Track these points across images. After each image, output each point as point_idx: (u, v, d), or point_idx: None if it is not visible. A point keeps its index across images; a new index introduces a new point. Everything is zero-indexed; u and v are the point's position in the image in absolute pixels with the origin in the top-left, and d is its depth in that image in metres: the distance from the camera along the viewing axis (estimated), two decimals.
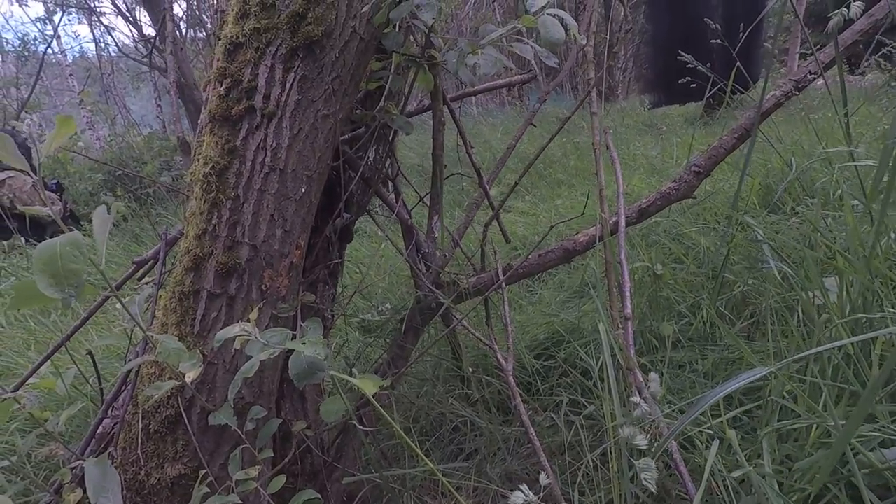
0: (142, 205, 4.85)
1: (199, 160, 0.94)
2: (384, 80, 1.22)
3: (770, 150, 2.30)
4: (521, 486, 0.64)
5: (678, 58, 2.29)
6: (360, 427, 1.25)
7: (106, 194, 4.89)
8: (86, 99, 9.86)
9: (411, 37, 1.23)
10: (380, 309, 1.56)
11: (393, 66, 1.22)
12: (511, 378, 1.10)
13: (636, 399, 0.68)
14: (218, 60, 0.94)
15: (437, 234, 1.27)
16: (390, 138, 1.29)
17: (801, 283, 0.96)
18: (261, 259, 0.93)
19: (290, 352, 0.77)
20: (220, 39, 0.96)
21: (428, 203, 1.32)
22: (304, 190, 0.96)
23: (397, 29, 1.15)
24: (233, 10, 0.95)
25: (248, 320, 0.68)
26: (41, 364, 1.03)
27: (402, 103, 1.26)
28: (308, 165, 0.95)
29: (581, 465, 1.08)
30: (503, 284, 1.20)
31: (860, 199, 0.98)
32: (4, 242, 3.80)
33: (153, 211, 4.84)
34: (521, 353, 1.60)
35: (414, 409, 1.42)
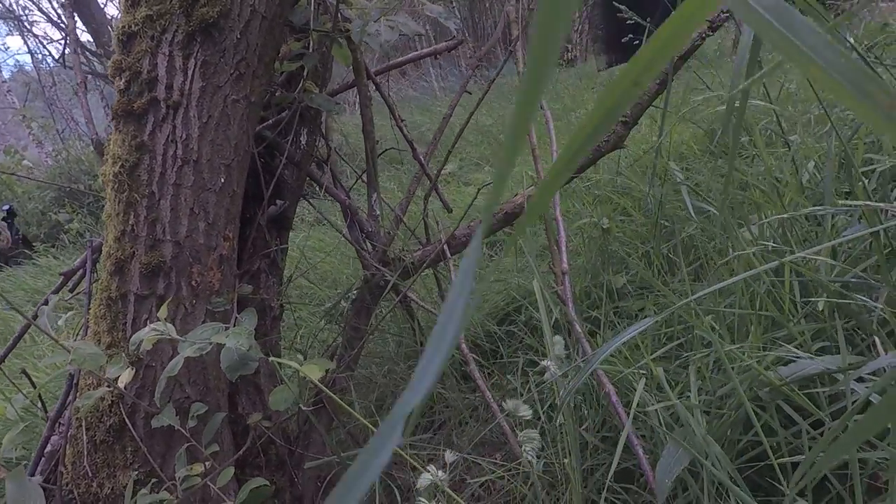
0: (97, 220, 4.70)
1: (108, 160, 0.91)
2: (305, 62, 1.18)
3: (714, 98, 2.33)
4: (428, 467, 0.64)
5: (620, 15, 2.28)
6: (319, 411, 1.25)
7: (58, 212, 4.73)
8: (28, 115, 9.45)
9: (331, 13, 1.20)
10: (347, 296, 1.55)
11: (311, 43, 1.18)
12: (463, 345, 1.11)
13: (545, 362, 0.69)
14: (114, 53, 0.90)
15: (377, 212, 1.25)
16: (320, 119, 1.27)
17: (730, 223, 0.97)
18: (186, 255, 0.91)
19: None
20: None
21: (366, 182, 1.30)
22: (223, 180, 0.93)
23: (308, 3, 1.11)
24: None
25: (158, 317, 0.67)
26: None
27: (325, 82, 1.23)
28: (224, 154, 0.93)
29: (539, 422, 1.09)
30: (448, 254, 1.19)
31: (782, 135, 1.00)
32: None
33: None
34: (482, 320, 1.61)
35: (378, 389, 1.42)
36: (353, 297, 1.30)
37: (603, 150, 1.10)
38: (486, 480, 1.14)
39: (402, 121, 1.24)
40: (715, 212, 0.98)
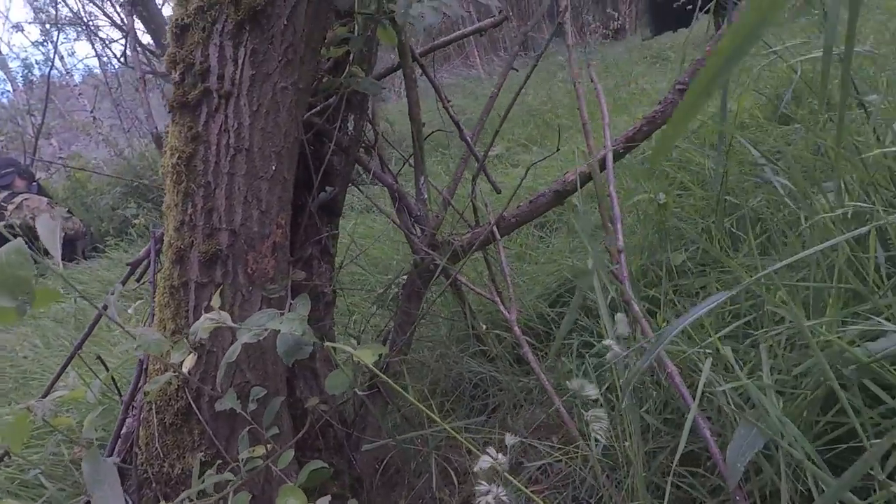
0: (161, 214, 4.93)
1: (166, 152, 0.94)
2: (350, 45, 1.18)
3: (776, 59, 2.17)
4: (487, 450, 0.63)
5: None
6: (374, 395, 1.26)
7: (126, 207, 5.00)
8: (97, 116, 10.00)
9: None
10: (396, 281, 1.56)
11: (357, 27, 1.18)
12: (516, 328, 1.09)
13: (607, 342, 0.66)
14: (169, 46, 0.93)
15: (425, 196, 1.24)
16: (367, 104, 1.26)
17: (805, 190, 0.90)
18: (241, 243, 0.93)
19: None
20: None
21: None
22: (274, 167, 0.94)
23: None
24: None
25: (213, 306, 0.68)
26: (57, 378, 1.06)
27: (371, 66, 1.22)
28: (274, 142, 0.94)
29: (596, 403, 1.07)
30: (498, 236, 1.17)
31: (856, 96, 0.91)
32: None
33: None
34: (534, 303, 1.58)
35: (431, 373, 1.43)
36: (404, 281, 1.30)
37: (659, 121, 1.04)
38: (544, 464, 1.12)
39: (448, 102, 1.22)
40: (786, 182, 0.91)
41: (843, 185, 0.73)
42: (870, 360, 0.55)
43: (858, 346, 0.57)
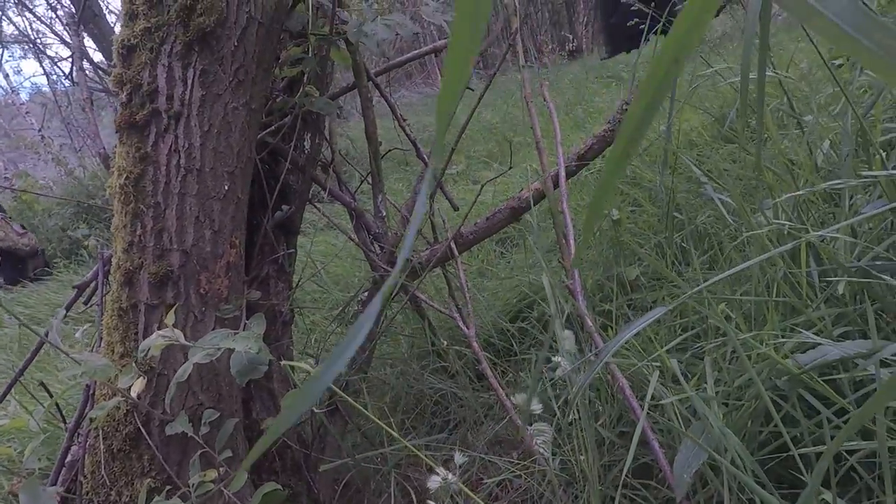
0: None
1: (114, 173, 0.92)
2: (304, 66, 1.18)
3: (721, 81, 2.28)
4: (438, 469, 0.63)
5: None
6: (333, 414, 1.25)
7: (76, 228, 4.82)
8: (47, 135, 9.65)
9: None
10: (356, 299, 1.55)
11: (310, 47, 1.19)
12: (475, 343, 1.10)
13: (556, 358, 0.67)
14: (115, 67, 0.91)
15: (384, 213, 1.25)
16: (323, 124, 1.26)
17: (743, 208, 0.95)
18: (194, 263, 0.91)
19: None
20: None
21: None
22: (227, 187, 0.93)
23: (306, 8, 1.11)
24: (122, 12, 0.91)
25: (166, 325, 0.67)
26: None
27: (326, 86, 1.23)
28: (227, 162, 0.93)
29: (554, 419, 1.08)
30: (455, 252, 1.18)
31: (793, 114, 0.97)
32: None
33: None
34: (494, 318, 1.60)
35: (392, 390, 1.42)
36: (363, 299, 1.30)
37: (609, 139, 1.08)
38: (503, 479, 1.13)
39: (404, 121, 1.23)
40: (727, 199, 0.95)
41: (777, 204, 0.77)
42: (800, 372, 0.58)
43: (788, 358, 0.60)
